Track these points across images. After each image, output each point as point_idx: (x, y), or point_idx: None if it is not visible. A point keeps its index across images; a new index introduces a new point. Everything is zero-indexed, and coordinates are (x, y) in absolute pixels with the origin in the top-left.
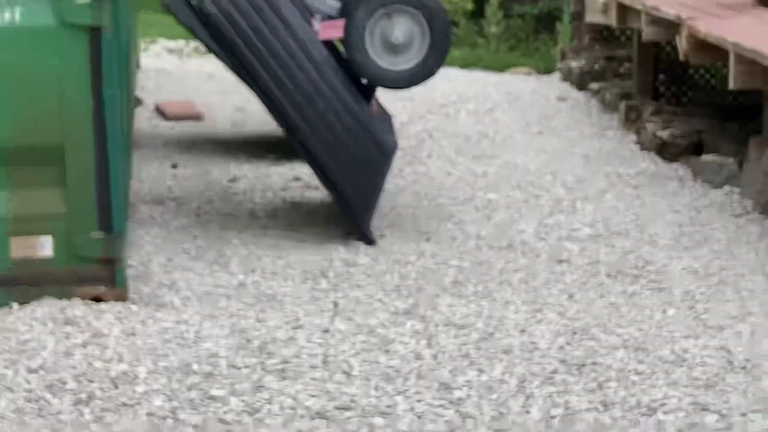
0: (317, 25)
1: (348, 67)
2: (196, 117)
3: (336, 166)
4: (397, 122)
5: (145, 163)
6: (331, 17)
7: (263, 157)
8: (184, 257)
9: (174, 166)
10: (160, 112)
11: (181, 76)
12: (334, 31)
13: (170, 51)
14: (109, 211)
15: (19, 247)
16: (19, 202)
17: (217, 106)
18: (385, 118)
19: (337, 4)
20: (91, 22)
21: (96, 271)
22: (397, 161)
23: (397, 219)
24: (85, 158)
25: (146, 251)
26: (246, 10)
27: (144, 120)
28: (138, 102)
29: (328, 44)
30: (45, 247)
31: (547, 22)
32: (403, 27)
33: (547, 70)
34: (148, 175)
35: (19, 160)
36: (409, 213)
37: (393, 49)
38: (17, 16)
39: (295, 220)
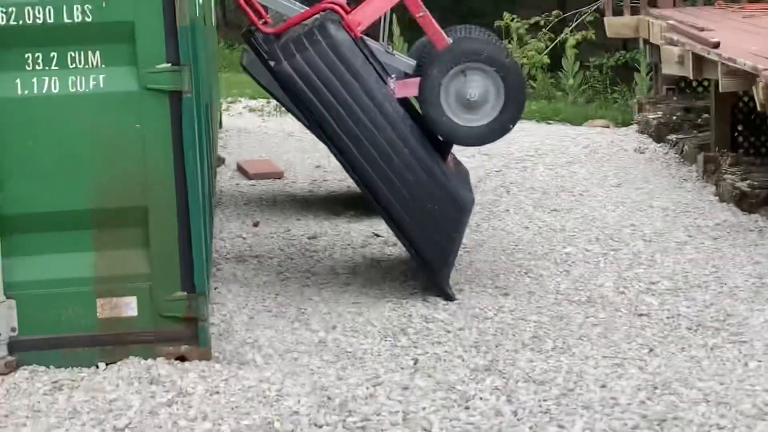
0: (393, 83)
1: (423, 123)
2: (277, 175)
3: (412, 222)
4: (474, 177)
5: (228, 221)
6: (407, 75)
7: (342, 213)
8: (266, 315)
9: (255, 224)
10: (241, 170)
11: (261, 134)
12: (409, 88)
13: (251, 110)
14: (191, 271)
15: (105, 308)
16: (105, 264)
17: (296, 163)
18: (462, 173)
19: (413, 62)
20: (172, 86)
21: (180, 331)
22: (475, 216)
23: (475, 274)
24: (168, 220)
25: (229, 309)
26: (321, 70)
27: (226, 179)
28: (221, 161)
29: (404, 101)
30: (130, 307)
31: (624, 72)
32: (478, 84)
33: (625, 122)
34: (231, 233)
35: (104, 222)
36: (487, 268)
37: (468, 106)
38: (101, 81)
39: (374, 276)
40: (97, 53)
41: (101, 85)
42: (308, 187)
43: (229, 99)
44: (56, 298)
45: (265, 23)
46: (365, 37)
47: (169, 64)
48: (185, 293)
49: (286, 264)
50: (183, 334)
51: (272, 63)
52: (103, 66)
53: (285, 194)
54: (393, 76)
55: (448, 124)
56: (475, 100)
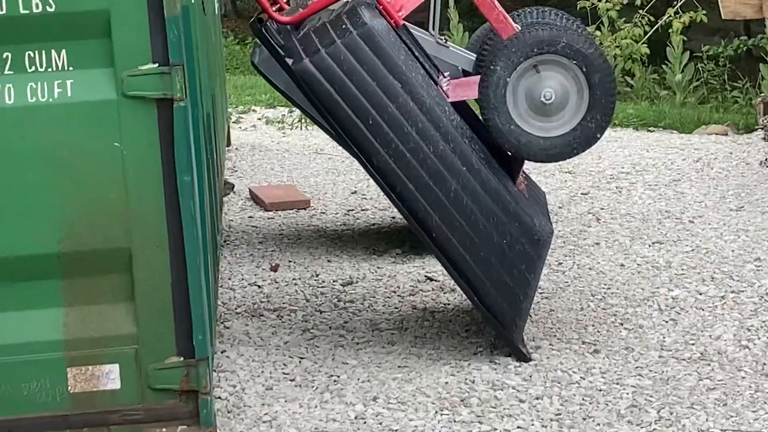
0: (446, 83)
1: (486, 134)
2: (301, 204)
3: (474, 261)
4: (554, 202)
5: (238, 264)
6: (465, 73)
7: (386, 252)
8: (287, 384)
9: (274, 268)
10: (255, 199)
11: (281, 152)
12: (467, 90)
13: (268, 122)
14: (189, 330)
15: (78, 380)
16: (77, 323)
17: (326, 189)
18: (538, 197)
19: (472, 57)
20: (160, 92)
21: (175, 407)
22: (555, 252)
23: (557, 326)
24: (157, 264)
25: (239, 378)
26: (352, 67)
27: (236, 210)
28: (229, 187)
29: (460, 106)
30: (110, 378)
31: (746, 64)
32: (554, 82)
33: (747, 128)
34: (242, 280)
35: (75, 269)
36: (572, 318)
37: (542, 110)
38: (68, 89)
39: (427, 332)
40: (63, 52)
41: (69, 93)
42: (342, 218)
43: (240, 108)
44: (15, 368)
45: (281, 10)
46: (409, 26)
47: (156, 65)
48: (182, 359)
49: (314, 319)
50: (180, 411)
51: (289, 61)
52: (71, 69)
53: (312, 229)
54: (447, 74)
55: (516, 134)
56: (552, 102)
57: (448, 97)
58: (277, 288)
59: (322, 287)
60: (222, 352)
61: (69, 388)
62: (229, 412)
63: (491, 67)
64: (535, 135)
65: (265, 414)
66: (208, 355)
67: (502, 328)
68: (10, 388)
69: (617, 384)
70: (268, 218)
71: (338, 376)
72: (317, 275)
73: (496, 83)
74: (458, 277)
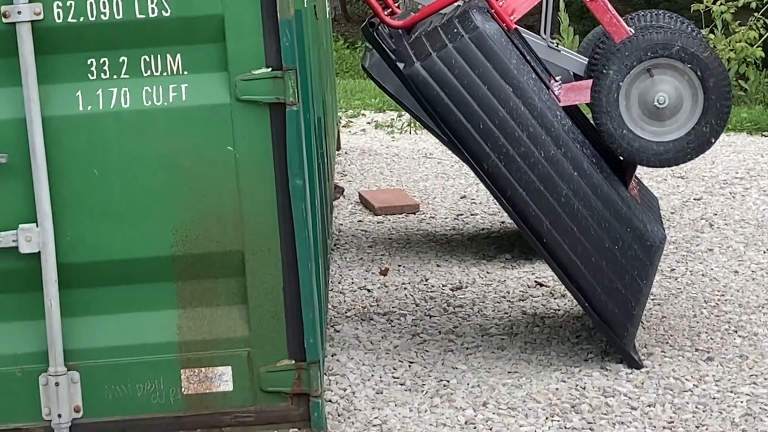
0: (558, 87)
1: (598, 139)
2: (410, 208)
3: (585, 267)
4: (666, 207)
5: (348, 268)
6: (576, 77)
7: (495, 257)
8: (398, 388)
9: (383, 272)
10: (365, 203)
11: (390, 156)
12: (579, 94)
13: (378, 126)
14: (301, 333)
15: (192, 381)
16: (190, 325)
17: (436, 193)
18: (650, 202)
19: (584, 60)
20: (273, 97)
21: (286, 409)
22: (668, 258)
23: (669, 333)
24: (270, 268)
25: (350, 381)
26: (464, 71)
27: (346, 214)
28: (339, 191)
29: (573, 111)
30: (223, 380)
31: None
32: (668, 86)
33: None
34: (352, 284)
35: (189, 272)
36: (685, 325)
37: (656, 115)
38: (183, 93)
39: (537, 337)
40: (178, 57)
41: (183, 98)
42: (451, 223)
43: (350, 112)
44: (130, 370)
45: (392, 14)
46: (521, 29)
47: (269, 69)
48: (293, 362)
49: (423, 323)
50: (291, 414)
51: (401, 65)
52: (186, 73)
53: (421, 233)
54: (558, 78)
55: (629, 138)
56: (665, 107)
57: (559, 101)
58: (386, 292)
59: (431, 291)
60: (332, 356)
61: (182, 389)
62: (339, 416)
63: (604, 71)
64: (648, 140)
65: (375, 418)
66: (319, 358)
67: (613, 334)
68: (125, 388)
69: (731, 392)
70: (378, 222)
71: (448, 381)
72: (426, 280)
73: (609, 87)
74: (569, 282)
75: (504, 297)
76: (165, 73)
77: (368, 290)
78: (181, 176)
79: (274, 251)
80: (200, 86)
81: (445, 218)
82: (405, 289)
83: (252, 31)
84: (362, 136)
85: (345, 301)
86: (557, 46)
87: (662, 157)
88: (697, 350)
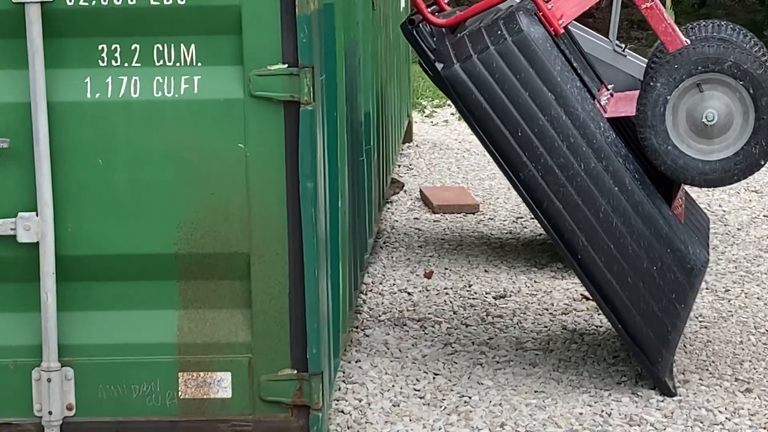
0: (605, 97)
1: (643, 154)
2: (470, 208)
3: (620, 286)
4: (734, 222)
5: (393, 268)
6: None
7: (547, 265)
8: (416, 402)
9: (428, 275)
10: (425, 200)
11: (461, 152)
12: (627, 106)
13: (460, 118)
14: (305, 342)
15: (189, 385)
16: (191, 327)
17: (499, 194)
18: (697, 223)
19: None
20: (287, 94)
21: (285, 421)
22: (725, 278)
23: (711, 359)
24: (276, 273)
25: (368, 391)
26: (505, 76)
27: (404, 210)
28: (398, 187)
29: (622, 122)
30: (222, 386)
31: None
32: (718, 103)
33: None
34: (393, 285)
35: (193, 271)
36: (729, 351)
37: (704, 132)
38: (195, 85)
39: (573, 355)
40: (192, 47)
41: (195, 90)
42: (509, 226)
43: (436, 102)
44: (126, 370)
45: (440, 11)
46: (587, 32)
47: (285, 65)
48: (295, 371)
49: (458, 332)
50: (290, 426)
51: (440, 66)
52: (200, 64)
53: (476, 235)
54: (610, 87)
55: (673, 155)
56: (714, 124)
57: (605, 111)
58: (426, 296)
59: (473, 299)
60: (356, 362)
61: (179, 393)
62: (348, 428)
63: (651, 83)
64: (694, 158)
65: None
66: (322, 369)
67: (646, 359)
68: (119, 388)
69: (764, 429)
70: (434, 221)
71: (470, 397)
72: (470, 285)
73: (656, 100)
74: (603, 302)
75: (546, 309)
76: (178, 64)
77: (408, 293)
78: (189, 172)
79: (281, 255)
80: (213, 79)
81: (504, 220)
82: (446, 294)
83: (270, 25)
84: (441, 128)
85: (382, 304)
86: (624, 50)
87: (707, 177)
88: (737, 380)
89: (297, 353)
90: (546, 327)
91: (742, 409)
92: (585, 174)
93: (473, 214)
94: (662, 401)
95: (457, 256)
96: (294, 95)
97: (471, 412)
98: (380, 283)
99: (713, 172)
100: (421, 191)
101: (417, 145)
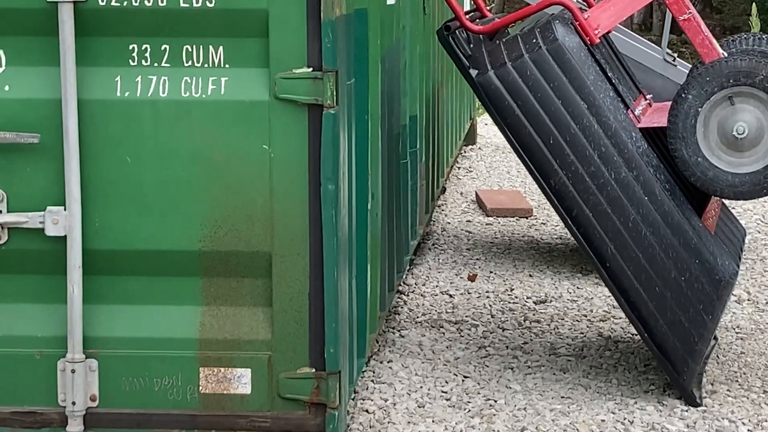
0: (640, 107)
1: (674, 165)
2: (523, 213)
3: (647, 295)
4: None
5: (438, 270)
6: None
7: (592, 272)
8: (442, 404)
9: (472, 278)
10: (479, 203)
11: None
12: (660, 116)
13: None
14: (322, 341)
15: (210, 380)
16: (213, 323)
17: None
18: (730, 234)
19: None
20: (311, 98)
21: (304, 419)
22: None
23: (742, 370)
24: (296, 272)
25: (395, 391)
26: (538, 85)
27: (456, 213)
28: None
29: (656, 133)
30: (242, 382)
31: None
32: (750, 116)
33: None
34: (436, 287)
35: (215, 269)
36: (762, 363)
37: (734, 145)
38: (222, 86)
39: (604, 362)
40: (220, 49)
41: (222, 91)
42: (560, 231)
43: None
44: (149, 363)
45: (482, 18)
46: (638, 39)
47: (310, 69)
48: (313, 370)
49: (494, 336)
50: (308, 423)
51: (474, 72)
52: (227, 66)
53: (526, 239)
54: (649, 96)
55: (703, 167)
56: (744, 137)
57: (638, 122)
58: (467, 299)
59: (513, 303)
60: (387, 362)
61: (200, 388)
62: (371, 428)
63: (683, 95)
64: (724, 170)
65: None
66: (340, 369)
67: (671, 369)
68: (142, 381)
69: None
70: (486, 224)
71: (495, 401)
72: (512, 290)
73: (687, 112)
74: (629, 310)
75: (585, 316)
76: (206, 65)
77: (450, 295)
78: (214, 171)
79: (302, 256)
80: (240, 81)
81: (556, 226)
82: (487, 297)
83: (296, 28)
84: None
85: (423, 305)
86: (674, 60)
87: (737, 189)
88: (765, 392)
89: (315, 352)
90: (582, 333)
91: (766, 421)
92: (615, 183)
93: (526, 218)
94: (686, 411)
95: (504, 260)
96: (318, 99)
97: (494, 415)
98: (423, 285)
99: (742, 185)
100: (476, 194)
101: (480, 148)
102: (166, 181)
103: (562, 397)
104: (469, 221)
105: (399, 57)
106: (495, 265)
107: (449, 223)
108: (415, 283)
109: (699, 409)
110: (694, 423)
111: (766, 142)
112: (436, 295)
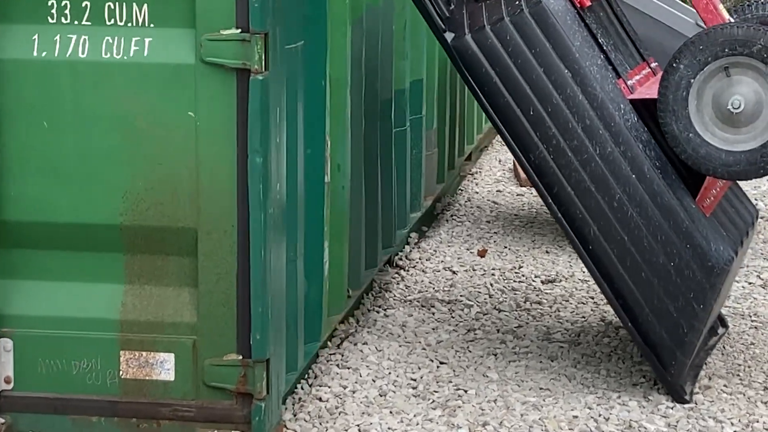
0: (637, 77)
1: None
2: None
3: (632, 281)
4: None
5: (448, 244)
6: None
7: None
8: (405, 393)
9: (481, 254)
10: (516, 172)
11: None
12: (653, 87)
13: None
14: (248, 327)
15: (131, 365)
16: (135, 303)
17: None
18: (732, 217)
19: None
20: (238, 61)
21: (230, 409)
22: None
23: (747, 363)
24: (223, 251)
25: (359, 378)
26: (518, 50)
27: (488, 182)
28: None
29: (648, 107)
30: (165, 367)
31: None
32: (747, 89)
33: None
34: (442, 262)
35: (137, 245)
36: (751, 358)
37: (729, 120)
38: (145, 47)
39: (599, 350)
40: (145, 7)
41: (145, 53)
42: None
43: None
44: (67, 344)
45: None
46: (663, 4)
47: (239, 30)
48: (240, 357)
49: (486, 318)
50: (234, 414)
51: (449, 35)
52: (152, 26)
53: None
54: (653, 65)
55: (695, 143)
56: (741, 112)
57: (631, 92)
58: (470, 276)
59: (518, 281)
60: (363, 344)
61: (121, 372)
62: (319, 417)
63: (673, 65)
64: (717, 147)
65: (355, 426)
66: (269, 357)
67: (657, 361)
68: (59, 363)
69: None
70: (517, 195)
71: (465, 391)
72: (520, 268)
73: (678, 84)
74: (613, 297)
75: (592, 298)
76: (129, 24)
77: (453, 272)
78: (136, 140)
79: (229, 233)
80: (164, 42)
81: None
82: (492, 275)
83: None
84: None
85: (420, 282)
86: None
87: (731, 168)
88: (765, 389)
89: (243, 337)
90: (583, 317)
91: (757, 421)
92: (600, 159)
93: None
94: (671, 408)
95: (523, 235)
96: (246, 63)
97: (459, 407)
98: (427, 260)
99: (737, 164)
100: (513, 162)
101: None
102: (85, 148)
103: (541, 389)
104: (499, 191)
105: (391, 17)
106: (512, 239)
107: (477, 192)
108: (419, 258)
109: (686, 406)
110: (677, 422)
111: (764, 117)
112: (438, 271)
